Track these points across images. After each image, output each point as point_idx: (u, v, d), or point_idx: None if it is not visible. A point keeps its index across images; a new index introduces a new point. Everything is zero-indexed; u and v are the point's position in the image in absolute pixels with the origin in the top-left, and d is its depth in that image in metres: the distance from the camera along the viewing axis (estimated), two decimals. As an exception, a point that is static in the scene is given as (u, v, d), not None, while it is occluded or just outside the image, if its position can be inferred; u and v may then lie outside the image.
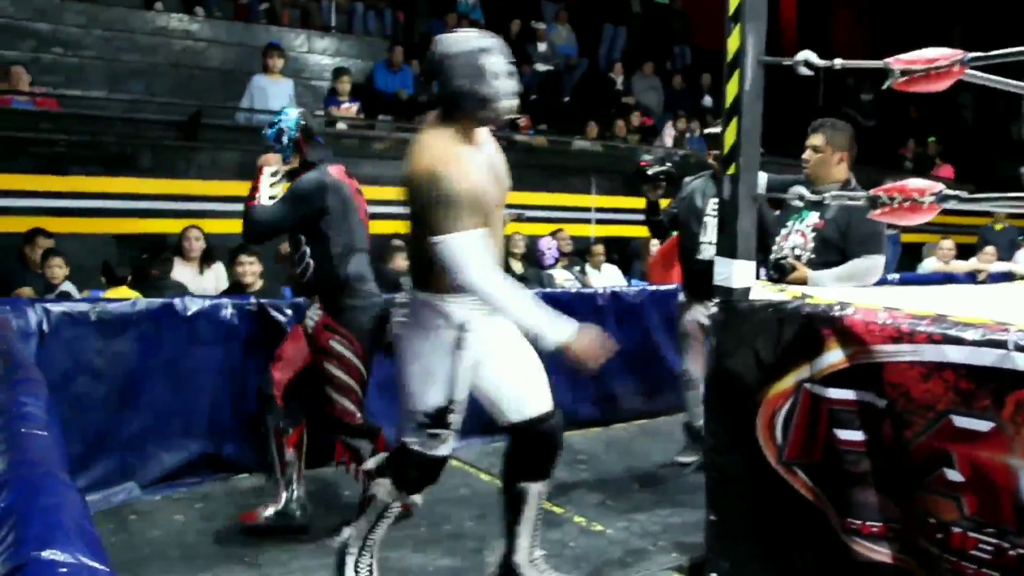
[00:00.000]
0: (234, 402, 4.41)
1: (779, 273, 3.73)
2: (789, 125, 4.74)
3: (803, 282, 3.67)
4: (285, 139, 3.81)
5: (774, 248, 3.95)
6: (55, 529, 1.02)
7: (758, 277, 3.28)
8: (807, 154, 3.86)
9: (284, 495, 3.83)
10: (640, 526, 3.86)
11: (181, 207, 7.18)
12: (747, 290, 3.22)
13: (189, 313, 4.32)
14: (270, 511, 3.82)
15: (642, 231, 9.52)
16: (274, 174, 3.77)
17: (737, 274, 3.21)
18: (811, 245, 3.78)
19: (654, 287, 6.16)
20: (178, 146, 7.41)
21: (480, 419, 5.01)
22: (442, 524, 3.86)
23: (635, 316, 5.83)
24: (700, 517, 3.42)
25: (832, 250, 3.76)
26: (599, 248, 8.54)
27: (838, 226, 3.76)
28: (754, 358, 3.07)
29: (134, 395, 4.22)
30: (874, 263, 3.75)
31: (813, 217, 3.82)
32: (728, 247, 3.23)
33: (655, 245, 8.61)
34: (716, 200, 3.95)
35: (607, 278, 8.15)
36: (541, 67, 11.70)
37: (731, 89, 3.18)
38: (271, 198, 3.69)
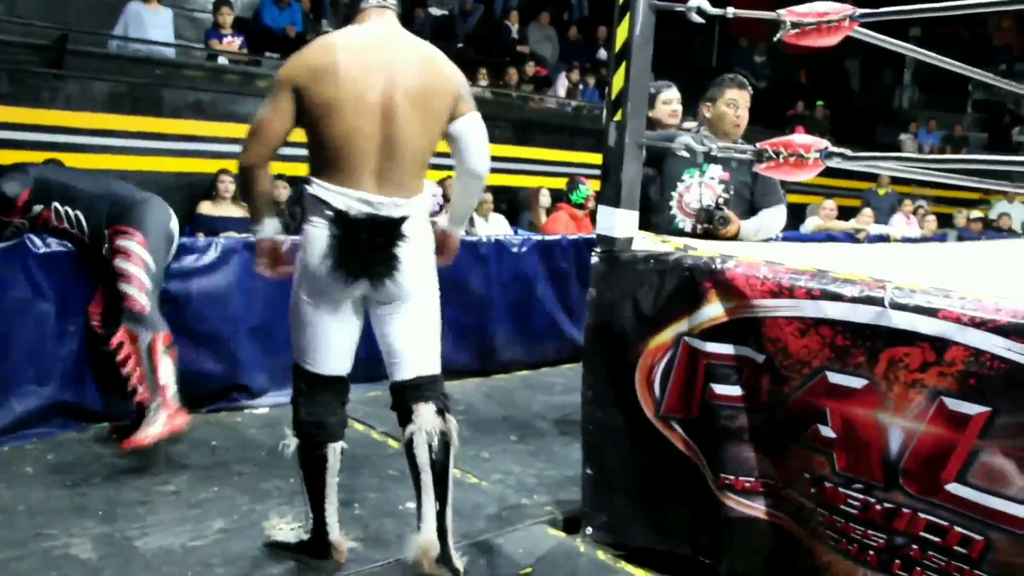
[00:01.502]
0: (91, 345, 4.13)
1: (719, 224, 3.69)
2: (681, 83, 4.68)
3: (735, 235, 3.68)
4: None
5: (665, 201, 3.91)
6: None
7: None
8: (743, 111, 3.84)
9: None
10: (516, 479, 3.80)
11: (45, 139, 6.74)
12: (629, 240, 3.16)
13: (41, 251, 4.01)
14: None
15: (530, 181, 9.49)
16: None
17: (620, 223, 3.15)
18: (723, 198, 3.76)
19: (539, 237, 6.09)
20: (42, 72, 6.91)
21: (357, 365, 4.96)
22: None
23: (519, 266, 5.75)
24: (577, 471, 3.38)
25: (742, 201, 3.79)
26: (487, 196, 8.41)
27: (744, 178, 3.78)
28: (634, 310, 3.02)
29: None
30: (782, 212, 3.84)
31: (716, 170, 3.80)
32: (611, 195, 3.17)
33: (545, 195, 8.58)
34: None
35: (494, 227, 8.06)
36: (435, 11, 11.45)
37: (621, 33, 3.10)
38: None
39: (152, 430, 3.71)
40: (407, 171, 2.71)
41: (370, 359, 4.97)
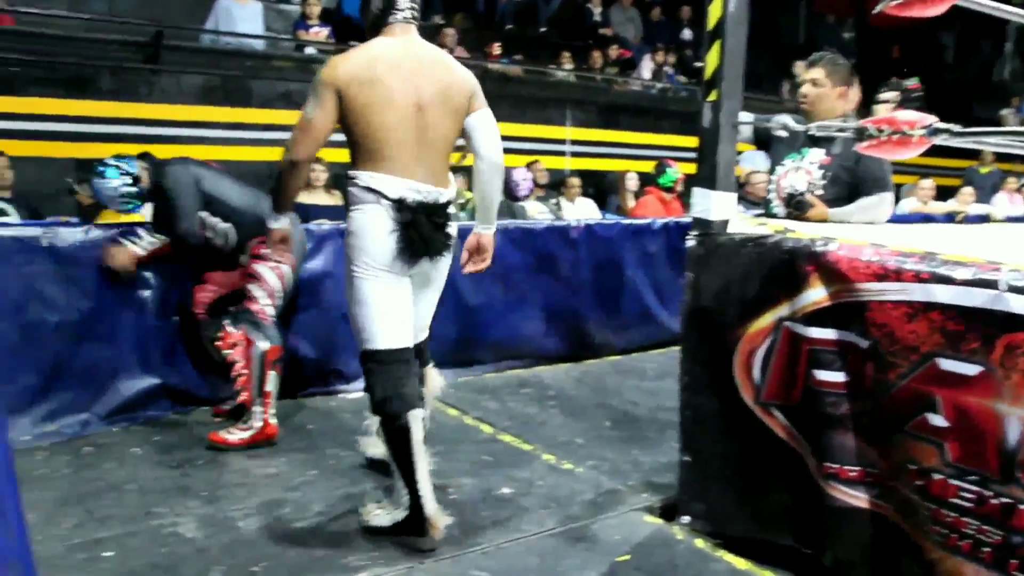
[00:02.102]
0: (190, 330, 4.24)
1: (798, 209, 3.59)
2: (768, 63, 4.56)
3: (822, 219, 3.56)
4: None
5: (772, 187, 3.82)
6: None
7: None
8: (806, 88, 3.71)
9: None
10: (611, 465, 3.77)
11: (142, 131, 6.92)
12: (725, 223, 3.09)
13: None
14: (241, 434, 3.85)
15: (616, 164, 9.42)
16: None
17: (716, 206, 3.09)
18: (820, 182, 3.65)
19: (628, 221, 6.03)
20: (140, 68, 7.11)
21: (447, 352, 5.00)
22: (407, 460, 3.74)
23: (609, 250, 5.70)
24: (672, 457, 3.34)
25: (841, 186, 3.63)
26: (575, 181, 8.37)
27: (846, 162, 3.62)
28: (732, 294, 2.95)
29: (90, 324, 4.04)
30: (885, 199, 3.64)
31: (817, 154, 3.68)
32: (707, 177, 3.10)
33: (632, 179, 8.50)
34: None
35: (582, 211, 8.01)
36: (518, -5, 11.41)
37: (714, 11, 3.02)
38: None
39: (244, 434, 3.84)
40: (440, 161, 3.02)
41: (460, 344, 5.07)
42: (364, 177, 2.92)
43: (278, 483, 3.50)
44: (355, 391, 4.64)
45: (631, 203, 8.38)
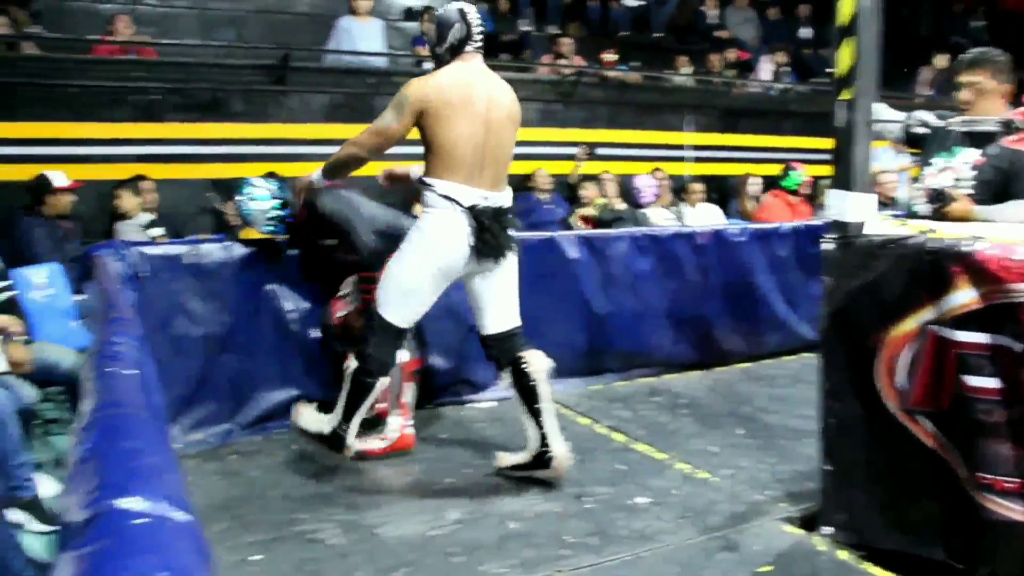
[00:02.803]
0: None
1: (939, 201, 3.45)
2: (893, 57, 4.39)
3: (965, 216, 3.41)
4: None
5: (919, 186, 3.69)
6: (134, 475, 0.94)
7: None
8: (966, 94, 3.57)
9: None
10: (747, 474, 3.71)
11: (272, 151, 7.18)
12: (862, 224, 3.01)
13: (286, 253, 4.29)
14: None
15: (737, 168, 9.27)
16: None
17: (853, 207, 3.01)
18: (969, 182, 3.49)
19: (756, 225, 5.92)
20: (268, 90, 7.38)
21: (576, 361, 5.01)
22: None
23: (736, 256, 5.62)
24: (809, 466, 3.27)
25: (991, 187, 3.45)
26: (697, 186, 8.30)
27: (1000, 164, 3.45)
28: (873, 298, 2.88)
29: (232, 338, 4.22)
30: None
31: (971, 154, 3.52)
32: (843, 178, 3.03)
33: (754, 184, 8.37)
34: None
35: (704, 217, 7.92)
36: (631, 2, 11.34)
37: (846, 6, 2.95)
38: None
39: (381, 444, 3.93)
40: (502, 171, 3.45)
41: (589, 353, 5.08)
42: (440, 185, 3.33)
43: (415, 491, 3.58)
44: (486, 400, 4.70)
45: (750, 207, 8.26)
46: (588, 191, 7.62)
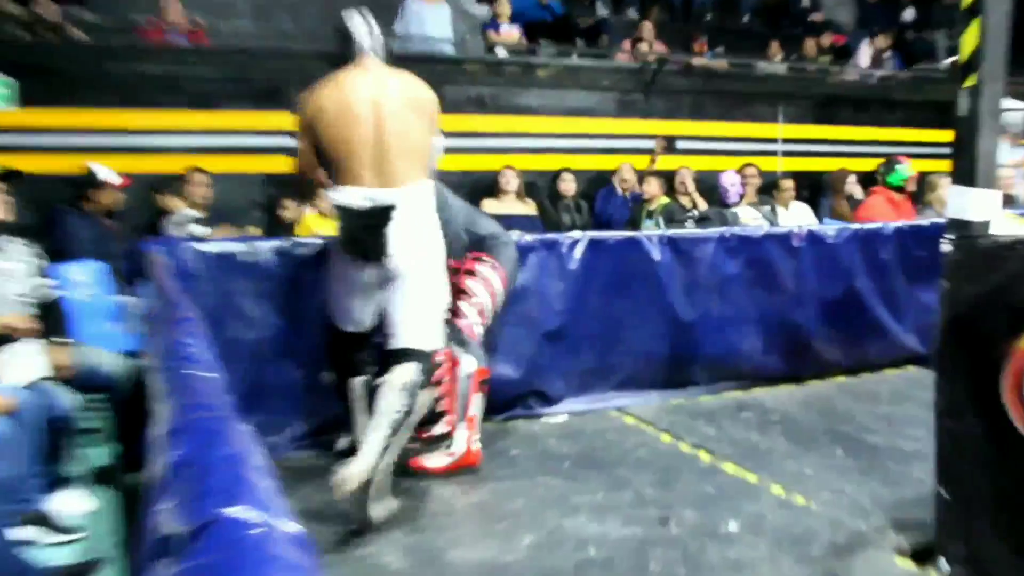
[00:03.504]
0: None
1: None
2: (1014, 39, 4.25)
3: None
4: None
5: None
6: (239, 483, 0.95)
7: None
8: None
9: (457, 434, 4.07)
10: (849, 500, 3.63)
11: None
12: (987, 224, 2.94)
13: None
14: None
15: (833, 163, 9.14)
16: None
17: (975, 205, 2.94)
18: None
19: (857, 226, 5.82)
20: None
21: (657, 372, 4.99)
22: (620, 490, 3.74)
23: (835, 259, 5.54)
24: (919, 491, 3.20)
25: None
26: (788, 183, 8.18)
27: None
28: (999, 304, 2.80)
29: (287, 342, 4.27)
30: None
31: None
32: (965, 173, 2.96)
33: (852, 183, 8.25)
34: None
35: (796, 217, 7.82)
36: (719, -14, 11.26)
37: (972, -15, 2.89)
38: None
39: (446, 460, 3.96)
40: (403, 166, 3.49)
41: (671, 363, 5.05)
42: (332, 193, 3.55)
43: (483, 513, 3.58)
44: (559, 414, 4.70)
45: (847, 206, 8.13)
46: (651, 187, 7.51)
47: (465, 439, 3.97)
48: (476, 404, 4.02)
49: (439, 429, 4.29)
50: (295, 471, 3.98)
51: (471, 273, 4.03)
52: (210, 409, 1.28)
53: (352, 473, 3.24)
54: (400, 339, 3.53)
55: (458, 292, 4.04)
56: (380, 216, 3.45)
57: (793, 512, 3.52)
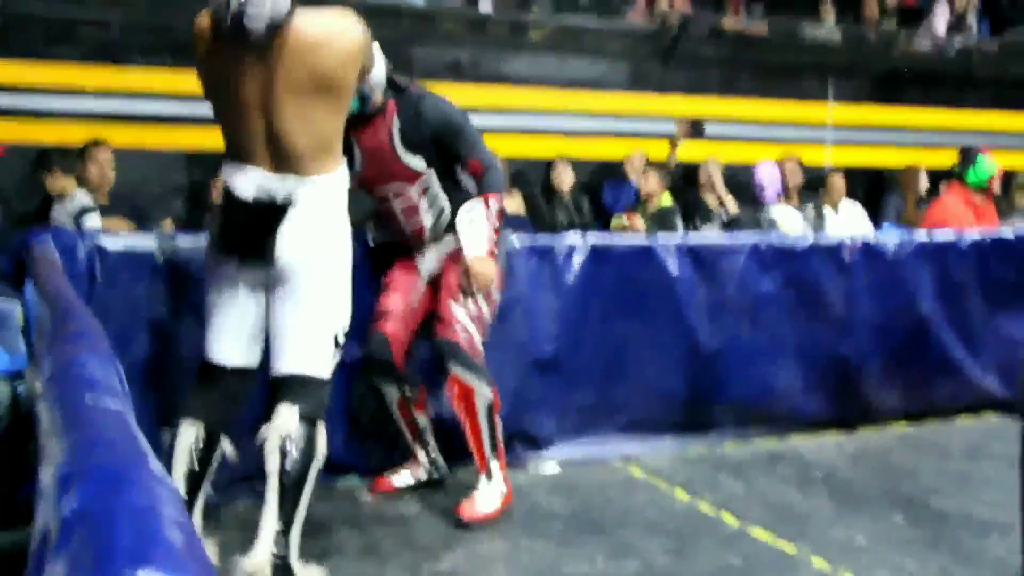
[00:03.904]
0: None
1: None
2: None
3: None
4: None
5: None
6: (152, 541, 0.95)
7: None
8: None
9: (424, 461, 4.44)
10: (910, 577, 3.68)
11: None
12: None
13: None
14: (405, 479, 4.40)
15: (898, 156, 9.21)
16: None
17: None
18: None
19: (925, 236, 5.86)
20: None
21: (672, 412, 5.00)
22: (624, 559, 3.77)
23: (895, 277, 5.59)
24: (999, 570, 3.22)
25: None
26: (838, 180, 8.24)
27: None
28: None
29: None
30: None
31: None
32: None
33: (918, 173, 8.30)
34: None
35: (848, 223, 7.87)
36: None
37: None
38: None
39: (497, 502, 4.09)
40: (299, 151, 3.40)
41: (690, 403, 5.08)
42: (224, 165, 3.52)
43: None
44: (550, 462, 4.72)
45: (916, 209, 8.18)
46: (649, 183, 7.45)
47: (501, 473, 4.13)
48: (501, 431, 4.15)
49: (401, 480, 4.38)
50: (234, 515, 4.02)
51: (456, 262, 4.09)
52: (112, 448, 1.27)
53: (258, 564, 3.28)
54: (283, 362, 3.46)
55: (448, 293, 4.10)
56: (271, 214, 3.38)
57: (841, 592, 3.55)
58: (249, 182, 3.37)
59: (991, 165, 7.15)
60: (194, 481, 3.54)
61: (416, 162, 4.05)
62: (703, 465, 4.83)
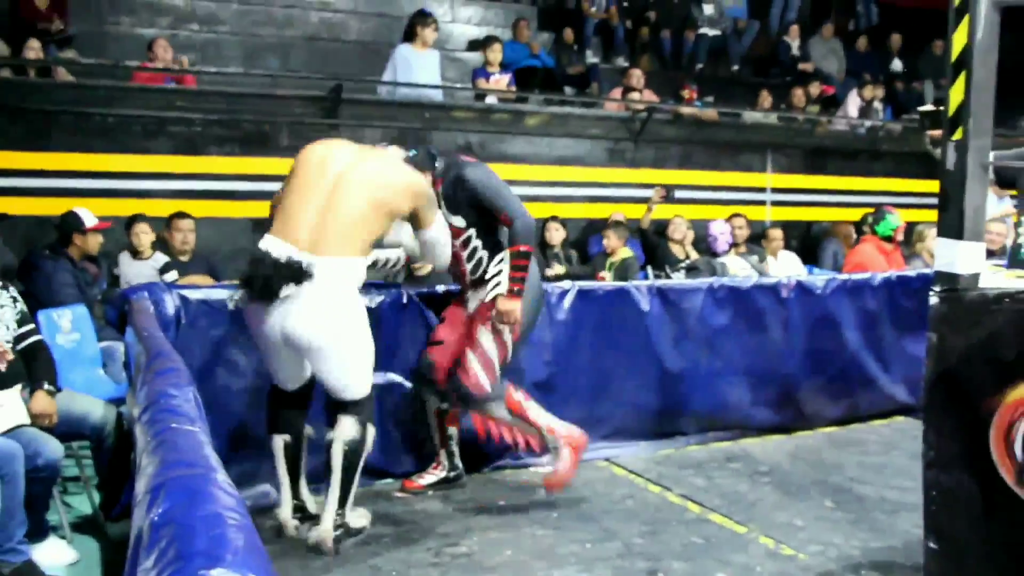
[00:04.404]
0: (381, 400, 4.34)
1: None
2: (1000, 90, 4.32)
3: None
4: None
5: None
6: (223, 545, 0.95)
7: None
8: None
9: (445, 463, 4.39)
10: (838, 551, 3.64)
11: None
12: (976, 276, 2.97)
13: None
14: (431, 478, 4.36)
15: (823, 213, 9.23)
16: None
17: (963, 258, 2.96)
18: None
19: (845, 277, 5.86)
20: (318, 123, 7.48)
21: (646, 422, 4.98)
22: (608, 541, 3.74)
23: (823, 309, 5.56)
24: (909, 543, 3.21)
25: None
26: (776, 233, 8.24)
27: None
28: (987, 357, 2.82)
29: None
30: None
31: None
32: (953, 225, 2.98)
33: (850, 226, 8.32)
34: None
35: (785, 267, 7.86)
36: (708, 32, 11.39)
37: (958, 39, 2.93)
38: None
39: (563, 464, 4.11)
40: (338, 234, 3.48)
41: (660, 414, 5.05)
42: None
43: (473, 564, 3.56)
44: (548, 464, 4.68)
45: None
46: (610, 240, 7.51)
47: (560, 439, 4.14)
48: (536, 413, 4.15)
49: (427, 480, 4.35)
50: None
51: (484, 320, 4.04)
52: (192, 466, 1.28)
53: (323, 534, 3.56)
54: (333, 394, 3.61)
55: (468, 341, 4.07)
56: (285, 271, 3.40)
57: (782, 564, 3.53)
58: (280, 248, 3.43)
59: (897, 219, 7.16)
60: (293, 473, 3.82)
61: (457, 220, 4.05)
62: (671, 464, 4.80)
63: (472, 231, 4.08)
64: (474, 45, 9.55)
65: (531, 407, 4.13)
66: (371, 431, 3.63)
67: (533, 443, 4.18)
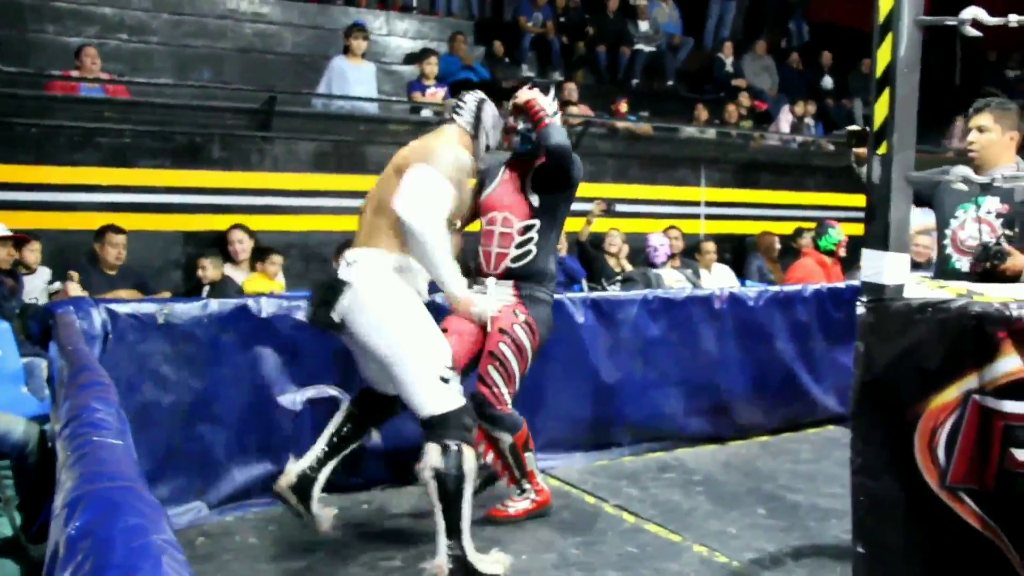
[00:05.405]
0: (315, 414, 4.30)
1: (998, 259, 3.52)
2: (921, 107, 4.43)
3: (1018, 271, 3.52)
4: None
5: (947, 241, 3.79)
6: (142, 555, 0.93)
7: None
8: (973, 136, 3.71)
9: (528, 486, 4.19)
10: (771, 558, 3.70)
11: (253, 202, 7.20)
12: (900, 287, 3.03)
13: (264, 315, 4.27)
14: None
15: (755, 226, 9.36)
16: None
17: (889, 269, 3.03)
18: (1000, 232, 3.61)
19: (776, 288, 5.96)
20: (251, 136, 7.41)
21: (581, 433, 5.00)
22: (544, 552, 3.75)
23: (755, 321, 5.64)
24: (839, 547, 3.25)
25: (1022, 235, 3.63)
26: (710, 246, 8.35)
27: None
28: (911, 366, 2.88)
29: (204, 406, 4.18)
30: None
31: (992, 203, 3.68)
32: (878, 237, 3.05)
33: (773, 238, 8.44)
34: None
35: (718, 279, 7.96)
36: (643, 48, 11.53)
37: (882, 56, 3.00)
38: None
39: (521, 505, 4.12)
40: (375, 225, 3.51)
41: (595, 425, 5.07)
42: None
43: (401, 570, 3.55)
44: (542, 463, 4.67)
45: (780, 268, 8.33)
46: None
47: (532, 488, 4.13)
48: (531, 462, 4.13)
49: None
50: (214, 537, 3.93)
51: (504, 332, 3.95)
52: (113, 478, 1.25)
53: (438, 565, 3.30)
54: (412, 409, 3.44)
55: (488, 354, 3.97)
56: (328, 291, 3.43)
57: (716, 571, 3.57)
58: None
59: (839, 234, 7.31)
60: (332, 447, 3.71)
61: (535, 200, 4.02)
62: (606, 475, 4.82)
63: (539, 223, 4.03)
64: (410, 58, 9.52)
65: (529, 456, 4.12)
66: (468, 454, 3.32)
67: (509, 475, 4.12)
